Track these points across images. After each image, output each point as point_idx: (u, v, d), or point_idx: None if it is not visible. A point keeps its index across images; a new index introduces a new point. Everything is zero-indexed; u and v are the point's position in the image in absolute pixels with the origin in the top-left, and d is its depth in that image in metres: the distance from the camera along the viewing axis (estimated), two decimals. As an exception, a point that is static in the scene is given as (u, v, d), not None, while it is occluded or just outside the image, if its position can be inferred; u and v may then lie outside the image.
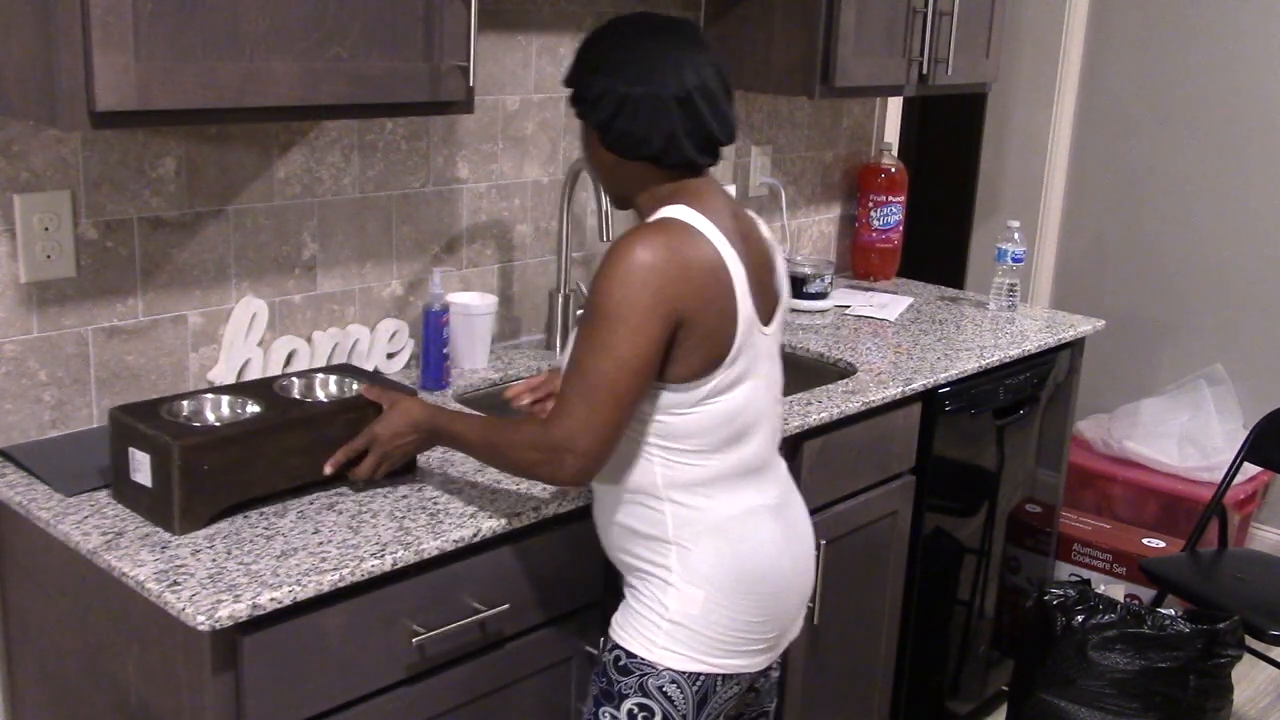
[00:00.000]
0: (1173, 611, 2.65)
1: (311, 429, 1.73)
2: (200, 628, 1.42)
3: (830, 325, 2.87)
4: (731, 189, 2.96)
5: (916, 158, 4.38)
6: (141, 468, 1.63)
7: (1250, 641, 2.77)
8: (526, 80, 2.47)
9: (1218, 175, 3.95)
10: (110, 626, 1.63)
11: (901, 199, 3.33)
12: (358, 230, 2.25)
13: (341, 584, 1.53)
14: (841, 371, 2.55)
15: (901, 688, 2.72)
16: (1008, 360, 2.72)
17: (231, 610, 1.43)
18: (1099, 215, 4.23)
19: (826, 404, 2.27)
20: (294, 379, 1.88)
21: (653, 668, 1.63)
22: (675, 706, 1.63)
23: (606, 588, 1.90)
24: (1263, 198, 3.87)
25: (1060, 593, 2.71)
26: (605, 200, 2.31)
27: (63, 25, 1.46)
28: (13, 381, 1.86)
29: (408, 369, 2.32)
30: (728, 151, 2.82)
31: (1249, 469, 3.35)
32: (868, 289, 3.26)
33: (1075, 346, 3.03)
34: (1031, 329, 2.93)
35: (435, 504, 1.74)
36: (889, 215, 3.31)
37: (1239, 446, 3.22)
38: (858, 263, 3.38)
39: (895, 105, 3.45)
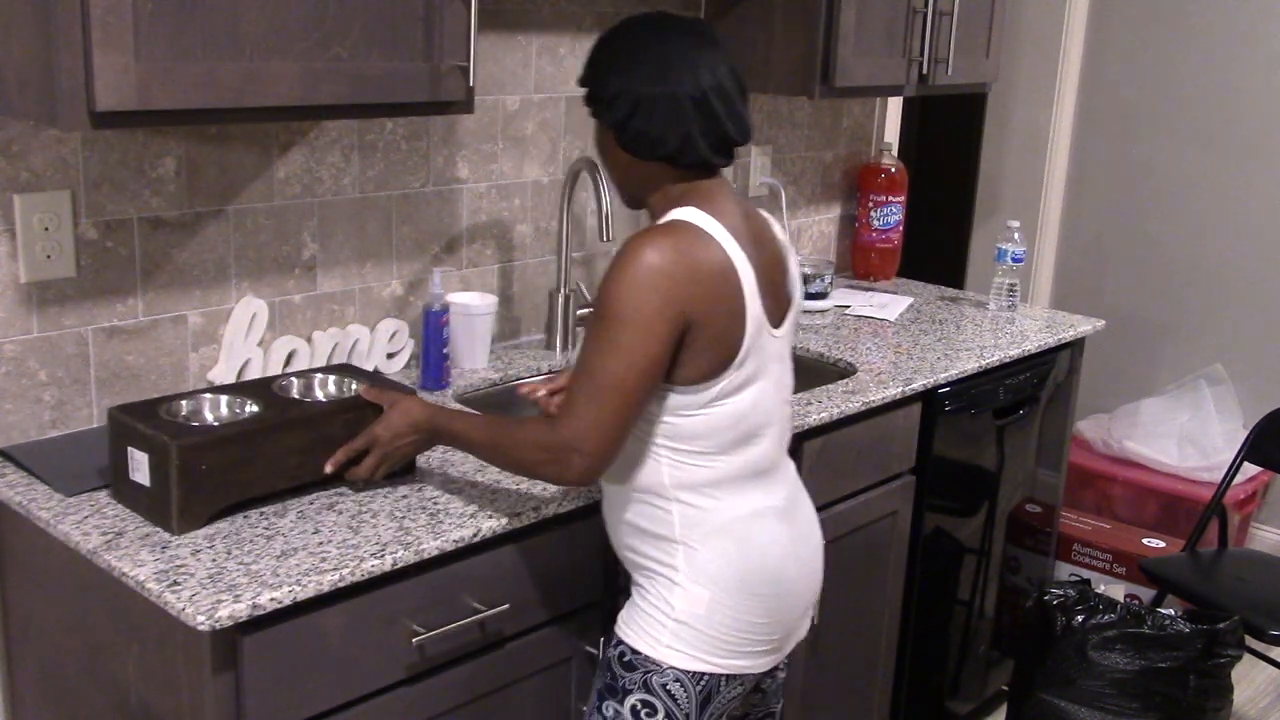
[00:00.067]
0: (1173, 611, 2.65)
1: (311, 429, 1.72)
2: (200, 628, 1.42)
3: (830, 325, 2.87)
4: (731, 189, 2.95)
5: (916, 158, 4.38)
6: (140, 467, 1.63)
7: (1250, 641, 2.76)
8: (526, 80, 2.47)
9: (1218, 175, 3.95)
10: (110, 626, 1.63)
11: (901, 199, 3.33)
12: (358, 230, 2.25)
13: (341, 584, 1.53)
14: (841, 371, 2.55)
15: (901, 688, 2.72)
16: (1008, 360, 2.72)
17: (231, 610, 1.43)
18: (1099, 215, 4.23)
19: (826, 404, 2.27)
20: (293, 379, 1.88)
21: (657, 665, 1.63)
22: (678, 705, 1.63)
23: (606, 588, 1.91)
24: (1263, 198, 3.87)
25: (1060, 593, 2.71)
26: (606, 200, 2.31)
27: (63, 25, 1.46)
28: (13, 381, 1.86)
29: (408, 369, 2.32)
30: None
31: (1249, 469, 3.35)
32: (868, 289, 3.26)
33: (1075, 346, 3.03)
34: (1031, 329, 2.93)
35: (435, 504, 1.74)
36: (889, 215, 3.31)
37: (1239, 446, 3.22)
38: (858, 263, 3.38)
39: (895, 105, 3.45)
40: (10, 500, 1.72)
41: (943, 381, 2.52)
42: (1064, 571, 3.56)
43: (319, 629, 1.54)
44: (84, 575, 1.63)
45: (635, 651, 1.65)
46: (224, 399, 1.78)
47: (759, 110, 3.03)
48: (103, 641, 1.65)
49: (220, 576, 1.50)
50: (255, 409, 1.74)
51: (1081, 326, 3.00)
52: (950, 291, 3.30)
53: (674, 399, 1.59)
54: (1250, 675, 3.31)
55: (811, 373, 2.57)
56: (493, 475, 1.85)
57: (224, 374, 2.06)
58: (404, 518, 1.69)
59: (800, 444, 2.21)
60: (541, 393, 1.95)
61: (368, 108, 1.81)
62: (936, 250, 4.37)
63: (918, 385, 2.46)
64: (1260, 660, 3.13)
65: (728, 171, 2.97)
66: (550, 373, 2.41)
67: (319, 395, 1.87)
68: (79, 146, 1.86)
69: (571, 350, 2.52)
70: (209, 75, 1.58)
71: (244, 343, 2.08)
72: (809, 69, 2.59)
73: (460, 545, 1.66)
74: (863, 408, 2.32)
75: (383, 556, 1.58)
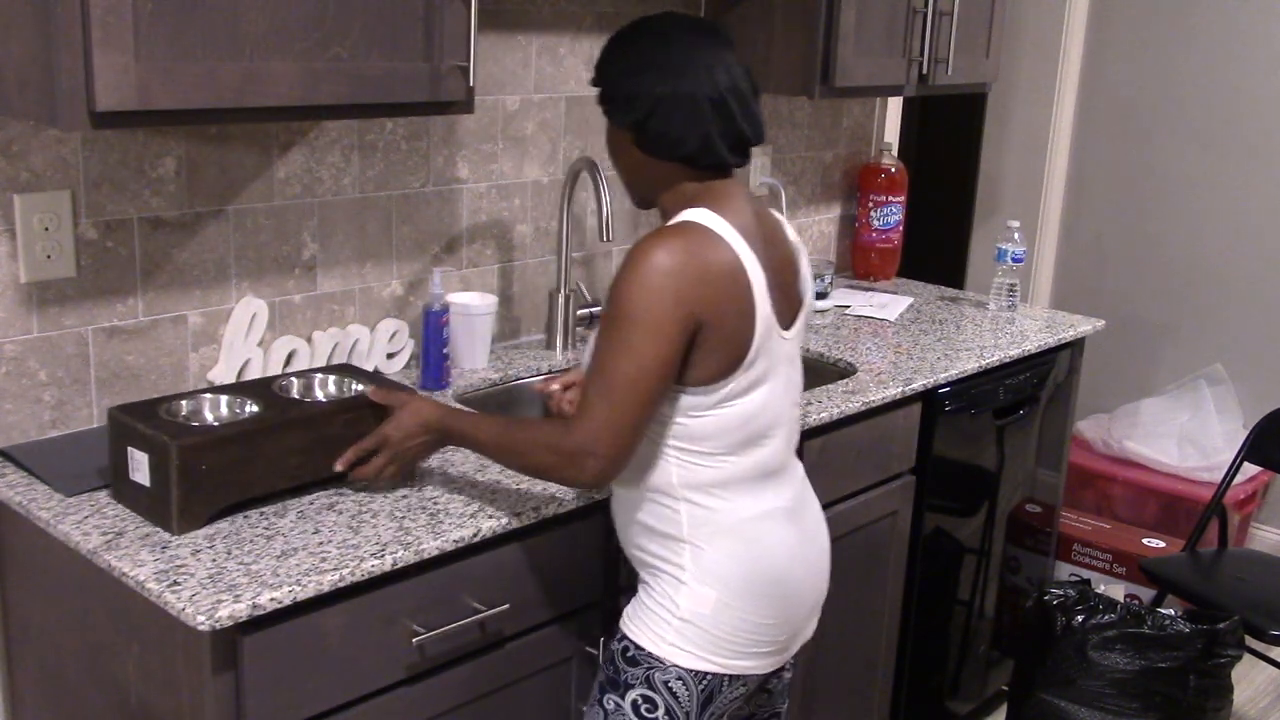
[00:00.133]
0: (1173, 611, 2.65)
1: (311, 429, 1.72)
2: (200, 628, 1.42)
3: (830, 325, 2.87)
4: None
5: (916, 158, 4.38)
6: (140, 467, 1.63)
7: (1250, 641, 2.77)
8: (526, 80, 2.47)
9: (1218, 175, 3.95)
10: (110, 626, 1.62)
11: (901, 199, 3.33)
12: (358, 230, 2.25)
13: (341, 584, 1.53)
14: (841, 371, 2.55)
15: (901, 688, 2.72)
16: (1008, 360, 2.72)
17: (231, 610, 1.43)
18: (1099, 215, 4.23)
19: (826, 404, 2.27)
20: (293, 379, 1.88)
21: (660, 663, 1.63)
22: (679, 702, 1.63)
23: (606, 588, 1.91)
24: (1263, 198, 3.87)
25: (1060, 593, 2.71)
26: (606, 200, 2.31)
27: (63, 25, 1.46)
28: (13, 381, 1.86)
29: (408, 369, 2.32)
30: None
31: (1249, 469, 3.35)
32: (868, 289, 3.26)
33: (1075, 346, 3.03)
34: (1031, 329, 2.93)
35: (435, 504, 1.74)
36: (889, 215, 3.31)
37: (1239, 446, 3.22)
38: (858, 263, 3.38)
39: (895, 105, 3.45)
40: (10, 500, 1.72)
41: (943, 381, 2.52)
42: (1064, 571, 3.56)
43: (319, 629, 1.54)
44: (84, 575, 1.63)
45: (639, 647, 1.65)
46: (224, 399, 1.78)
47: (759, 110, 3.02)
48: (103, 641, 1.65)
49: (220, 576, 1.50)
50: (255, 409, 1.74)
51: (1081, 326, 3.00)
52: (950, 291, 3.30)
53: (684, 400, 1.59)
54: (1250, 675, 3.30)
55: (811, 373, 2.56)
56: (493, 475, 1.85)
57: (224, 374, 2.06)
58: (404, 518, 1.69)
59: (800, 444, 2.21)
60: (555, 386, 1.96)
61: (368, 108, 1.81)
62: (936, 250, 4.37)
63: (918, 385, 2.46)
64: (1260, 660, 3.13)
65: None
66: (551, 372, 2.41)
67: (319, 395, 1.87)
68: (79, 146, 1.86)
69: (571, 350, 2.52)
70: (209, 75, 1.58)
71: (244, 343, 2.08)
72: (809, 69, 2.59)
73: (460, 545, 1.66)
74: (863, 408, 2.32)
75: (383, 556, 1.58)
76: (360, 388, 1.86)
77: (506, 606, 1.74)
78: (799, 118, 3.16)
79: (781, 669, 1.80)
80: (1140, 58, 4.06)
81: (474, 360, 2.37)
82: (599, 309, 2.60)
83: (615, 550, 1.85)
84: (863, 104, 3.36)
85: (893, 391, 2.39)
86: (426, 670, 1.68)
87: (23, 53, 1.54)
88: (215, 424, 1.72)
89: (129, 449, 1.64)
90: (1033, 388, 2.87)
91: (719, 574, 1.63)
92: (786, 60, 2.62)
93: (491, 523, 1.70)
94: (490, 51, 2.37)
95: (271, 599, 1.47)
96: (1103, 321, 3.07)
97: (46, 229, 1.84)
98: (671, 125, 1.59)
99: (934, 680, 2.85)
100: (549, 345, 2.54)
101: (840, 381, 2.42)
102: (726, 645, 1.64)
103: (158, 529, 1.62)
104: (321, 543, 1.61)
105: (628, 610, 1.70)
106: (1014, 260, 3.06)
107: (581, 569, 1.86)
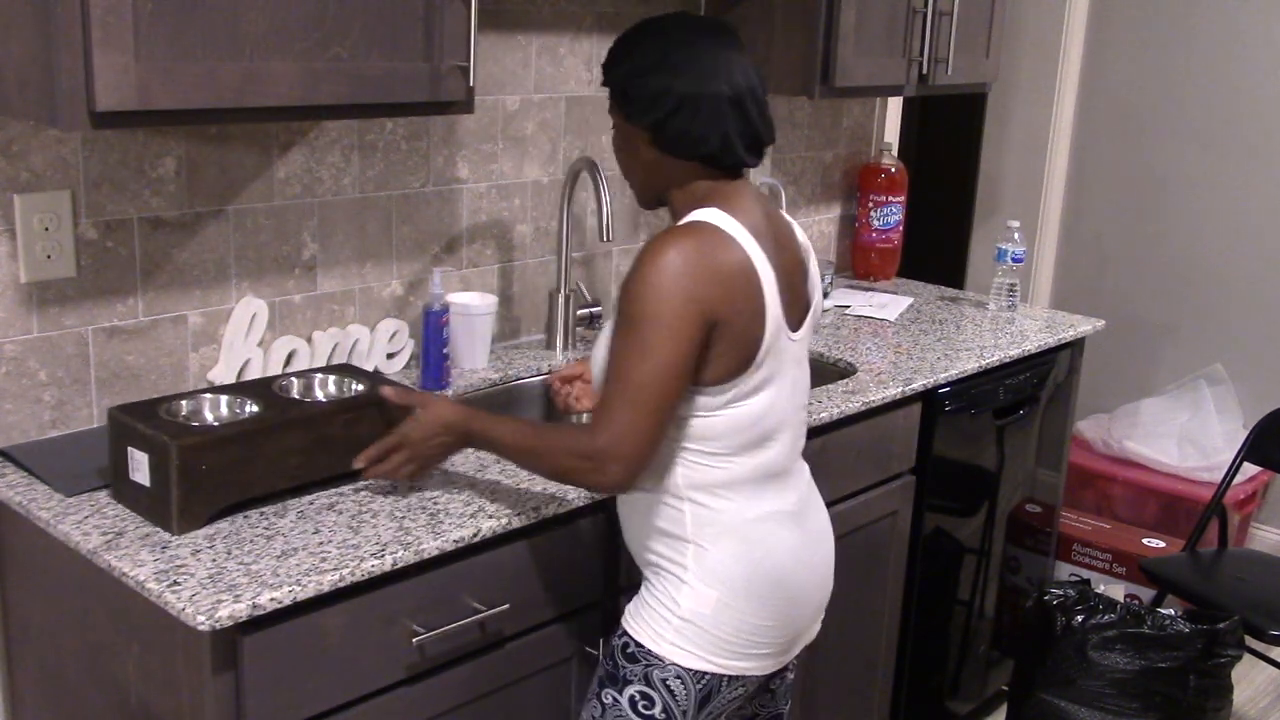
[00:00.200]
0: (1173, 611, 2.65)
1: (311, 429, 1.72)
2: (200, 628, 1.42)
3: (830, 325, 2.87)
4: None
5: (916, 158, 4.38)
6: (140, 467, 1.63)
7: (1250, 641, 2.77)
8: (526, 80, 2.47)
9: (1218, 175, 3.95)
10: (110, 626, 1.63)
11: (901, 199, 3.33)
12: (358, 230, 2.25)
13: (341, 584, 1.53)
14: (841, 371, 2.55)
15: (901, 688, 2.72)
16: (1008, 360, 2.72)
17: (231, 610, 1.43)
18: (1099, 215, 4.23)
19: (826, 404, 2.27)
20: (293, 379, 1.88)
21: (659, 660, 1.63)
22: (677, 701, 1.64)
23: (607, 588, 1.91)
24: (1263, 198, 3.87)
25: (1060, 593, 2.71)
26: (606, 200, 2.31)
27: (63, 25, 1.46)
28: (13, 381, 1.86)
29: (407, 369, 2.32)
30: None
31: (1249, 469, 3.35)
32: (868, 289, 3.26)
33: (1075, 346, 3.03)
34: (1031, 329, 2.93)
35: (435, 504, 1.74)
36: (889, 215, 3.31)
37: (1239, 446, 3.22)
38: (858, 263, 3.38)
39: (895, 105, 3.45)
40: (10, 500, 1.72)
41: (943, 381, 2.52)
42: (1064, 571, 3.56)
43: (319, 629, 1.54)
44: (84, 575, 1.63)
45: (639, 644, 1.65)
46: (224, 399, 1.78)
47: (759, 110, 3.03)
48: (103, 641, 1.65)
49: (220, 576, 1.50)
50: (255, 409, 1.74)
51: (1081, 326, 3.00)
52: (950, 291, 3.30)
53: (696, 400, 1.59)
54: (1250, 675, 3.30)
55: (812, 373, 2.56)
56: (493, 475, 1.85)
57: (224, 374, 2.06)
58: (404, 518, 1.69)
59: (800, 444, 2.21)
60: (556, 381, 1.96)
61: (368, 108, 1.81)
62: (936, 250, 4.37)
63: (918, 385, 2.46)
64: (1260, 660, 3.13)
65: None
66: (553, 372, 2.41)
67: (319, 395, 1.87)
68: (79, 146, 1.86)
69: (571, 350, 2.52)
70: (209, 75, 1.58)
71: (244, 343, 2.08)
72: (809, 69, 2.59)
73: (460, 545, 1.66)
74: (863, 408, 2.32)
75: (383, 556, 1.58)
76: (360, 388, 1.86)
77: (506, 606, 1.74)
78: (799, 118, 3.16)
79: (784, 670, 1.80)
80: (1140, 58, 4.06)
81: (474, 360, 2.37)
82: (599, 309, 2.60)
83: (615, 550, 1.85)
84: (863, 104, 3.36)
85: (893, 391, 2.39)
86: (426, 670, 1.68)
87: (23, 53, 1.54)
88: (215, 424, 1.72)
89: (129, 449, 1.64)
90: (1033, 388, 2.87)
91: (721, 574, 1.63)
92: (786, 60, 2.62)
93: (491, 523, 1.70)
94: (490, 51, 2.37)
95: (271, 599, 1.47)
96: (1103, 321, 3.07)
97: (46, 229, 1.84)
98: (694, 124, 1.59)
99: (934, 680, 2.85)
100: (549, 345, 2.54)
101: (840, 381, 2.42)
102: (726, 646, 1.64)
103: (158, 529, 1.62)
104: (321, 543, 1.61)
105: (630, 607, 1.70)
106: (1014, 260, 3.06)
107: (582, 569, 1.86)
